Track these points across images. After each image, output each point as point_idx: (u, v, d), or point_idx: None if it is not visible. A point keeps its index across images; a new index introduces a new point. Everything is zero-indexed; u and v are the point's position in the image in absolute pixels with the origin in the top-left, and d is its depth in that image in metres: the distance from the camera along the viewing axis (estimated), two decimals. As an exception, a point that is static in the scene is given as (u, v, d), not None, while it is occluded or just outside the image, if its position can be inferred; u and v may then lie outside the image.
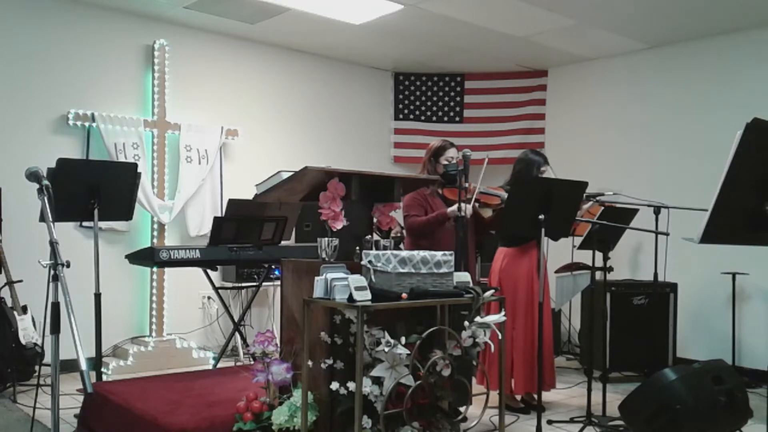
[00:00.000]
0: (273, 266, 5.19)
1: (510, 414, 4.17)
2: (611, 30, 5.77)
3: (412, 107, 7.39)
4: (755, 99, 5.49)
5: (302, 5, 5.30)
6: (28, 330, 4.63)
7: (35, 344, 4.63)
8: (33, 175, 2.48)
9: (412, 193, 3.96)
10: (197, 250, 4.46)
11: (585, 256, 4.43)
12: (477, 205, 4.04)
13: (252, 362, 3.19)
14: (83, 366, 1.97)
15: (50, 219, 2.31)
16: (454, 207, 3.75)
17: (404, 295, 2.65)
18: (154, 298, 5.64)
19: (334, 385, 2.72)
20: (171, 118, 5.76)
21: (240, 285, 5.86)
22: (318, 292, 2.73)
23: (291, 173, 3.09)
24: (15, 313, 4.61)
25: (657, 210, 4.80)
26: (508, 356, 4.15)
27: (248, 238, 4.62)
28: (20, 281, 4.68)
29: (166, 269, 5.59)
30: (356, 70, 7.10)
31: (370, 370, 2.67)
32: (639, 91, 6.34)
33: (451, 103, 7.35)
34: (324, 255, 2.95)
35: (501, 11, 5.36)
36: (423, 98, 7.38)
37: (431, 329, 2.77)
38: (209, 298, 5.93)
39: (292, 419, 2.83)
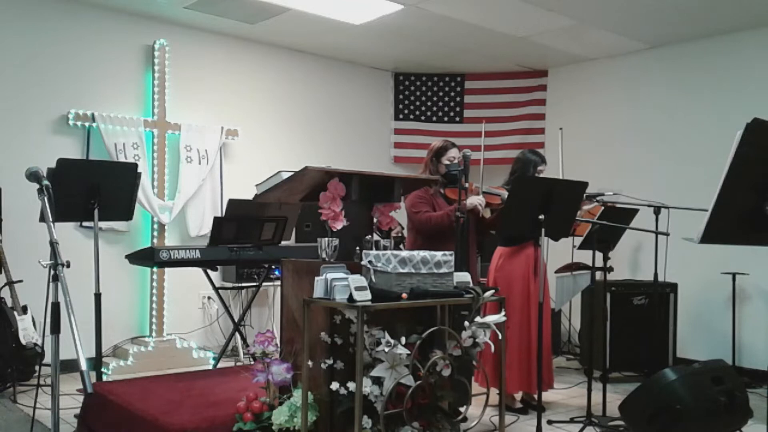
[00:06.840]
0: (273, 266, 5.19)
1: (510, 414, 4.17)
2: (611, 30, 5.76)
3: (412, 107, 7.39)
4: (755, 99, 5.49)
5: (302, 5, 5.30)
6: (28, 330, 4.63)
7: (35, 344, 4.62)
8: (33, 175, 2.49)
9: (416, 191, 3.93)
10: (197, 250, 4.47)
11: (585, 256, 4.43)
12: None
13: (252, 362, 3.19)
14: (83, 366, 1.97)
15: (50, 219, 2.30)
16: (473, 199, 3.88)
17: (404, 295, 2.65)
18: (154, 298, 5.64)
19: (334, 385, 2.71)
20: (171, 118, 5.76)
21: (240, 285, 5.86)
22: (318, 292, 2.73)
23: (291, 173, 3.09)
24: (15, 313, 4.61)
25: (657, 210, 4.79)
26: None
27: (248, 238, 4.61)
28: (20, 281, 4.68)
29: (166, 269, 5.58)
30: (356, 70, 7.10)
31: (370, 370, 2.67)
32: (639, 92, 6.33)
33: (451, 103, 7.35)
34: (324, 255, 2.94)
35: (501, 11, 5.35)
36: (423, 98, 7.38)
37: (431, 329, 2.76)
38: (209, 298, 5.93)
39: (292, 419, 2.82)
